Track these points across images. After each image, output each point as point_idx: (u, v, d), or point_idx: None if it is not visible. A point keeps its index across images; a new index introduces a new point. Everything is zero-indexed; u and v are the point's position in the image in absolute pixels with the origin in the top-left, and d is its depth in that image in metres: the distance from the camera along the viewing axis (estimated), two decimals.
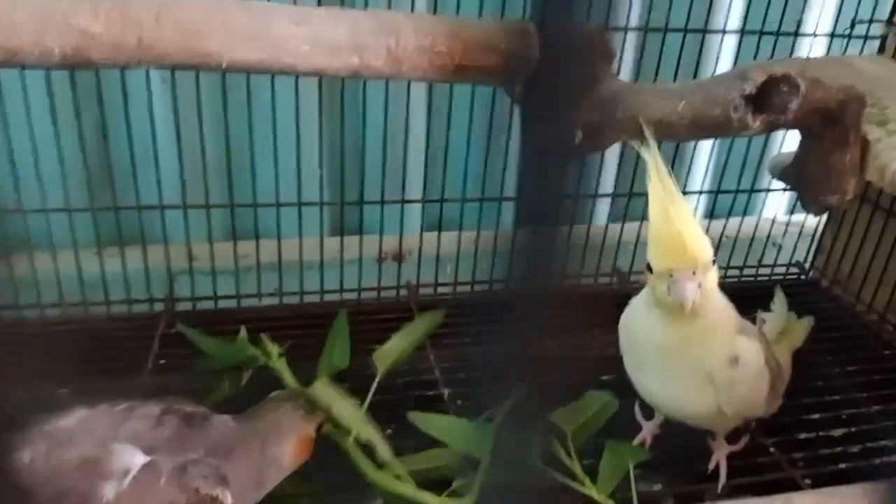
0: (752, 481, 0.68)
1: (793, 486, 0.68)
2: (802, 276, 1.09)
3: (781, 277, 1.09)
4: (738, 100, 0.67)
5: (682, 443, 0.72)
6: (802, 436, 0.75)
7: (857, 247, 1.01)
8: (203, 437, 0.54)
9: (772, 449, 0.73)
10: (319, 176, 0.87)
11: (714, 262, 0.56)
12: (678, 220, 0.54)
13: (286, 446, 0.57)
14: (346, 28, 0.63)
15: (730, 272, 1.06)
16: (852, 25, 0.92)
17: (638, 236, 0.97)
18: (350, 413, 0.61)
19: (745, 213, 1.07)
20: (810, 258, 1.10)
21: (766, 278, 1.08)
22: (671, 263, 0.54)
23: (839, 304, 1.02)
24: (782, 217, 1.13)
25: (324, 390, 0.59)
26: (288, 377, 0.72)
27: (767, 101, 0.68)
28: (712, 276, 0.56)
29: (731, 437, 0.71)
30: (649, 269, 0.57)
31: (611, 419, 0.74)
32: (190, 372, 0.77)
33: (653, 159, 0.58)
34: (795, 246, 1.09)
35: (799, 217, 1.09)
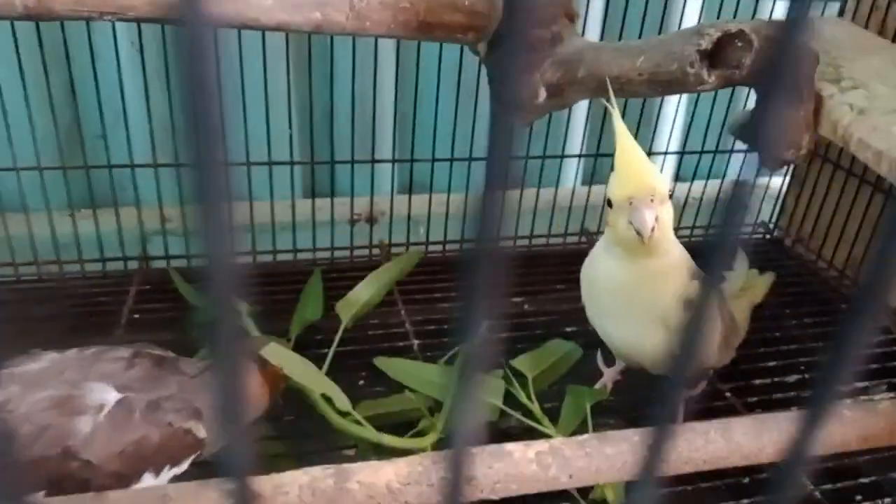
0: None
1: None
2: (767, 236, 1.12)
3: (747, 237, 1.12)
4: (695, 55, 0.69)
5: (639, 390, 0.75)
6: (757, 382, 0.78)
7: (819, 206, 1.03)
8: (175, 376, 0.56)
9: (728, 394, 0.76)
10: (289, 136, 0.88)
11: (671, 196, 0.59)
12: (637, 153, 0.58)
13: (251, 381, 0.59)
14: None
15: (696, 232, 1.08)
16: None
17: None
18: (304, 370, 0.62)
19: (709, 174, 1.09)
20: (775, 218, 1.13)
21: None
22: (631, 190, 0.57)
23: (801, 261, 1.05)
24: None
25: (276, 351, 0.61)
26: (255, 332, 0.74)
27: (723, 56, 0.70)
28: (668, 211, 0.58)
29: (689, 383, 0.74)
30: (609, 204, 0.59)
31: (575, 368, 0.77)
32: (165, 326, 0.79)
33: (614, 109, 0.61)
34: (760, 206, 1.11)
35: (764, 178, 1.12)
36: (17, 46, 0.77)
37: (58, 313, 0.80)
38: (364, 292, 0.77)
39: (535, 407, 0.67)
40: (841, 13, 0.97)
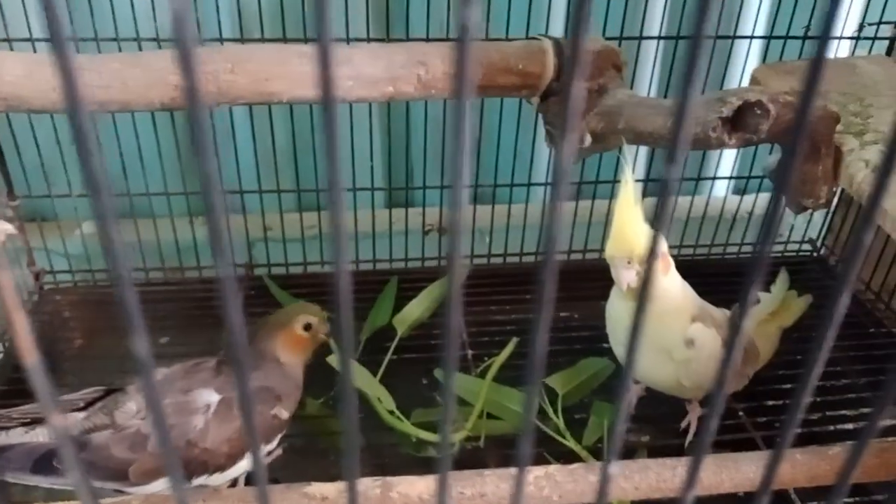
0: (717, 439, 0.81)
1: (751, 445, 0.81)
2: (814, 254, 1.18)
3: (794, 254, 1.18)
4: (717, 121, 0.78)
5: (663, 405, 0.86)
6: (770, 403, 0.87)
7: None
8: (254, 372, 0.72)
9: (741, 413, 0.86)
10: (370, 167, 1.02)
11: (652, 254, 0.69)
12: (623, 216, 0.68)
13: (278, 344, 0.74)
14: (382, 63, 0.76)
15: (744, 248, 1.16)
16: (861, 28, 0.98)
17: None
18: (365, 378, 0.78)
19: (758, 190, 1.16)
20: (823, 236, 1.19)
21: (780, 254, 1.17)
22: (611, 251, 0.68)
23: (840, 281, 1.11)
24: None
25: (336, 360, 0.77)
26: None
27: (743, 121, 0.78)
28: (656, 267, 0.69)
29: (705, 402, 0.84)
30: None
31: (607, 382, 0.88)
32: None
33: (627, 170, 0.71)
34: (807, 224, 1.18)
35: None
36: None
37: (179, 312, 0.99)
38: (417, 308, 0.93)
39: (560, 422, 0.80)
40: (889, 52, 1.01)
